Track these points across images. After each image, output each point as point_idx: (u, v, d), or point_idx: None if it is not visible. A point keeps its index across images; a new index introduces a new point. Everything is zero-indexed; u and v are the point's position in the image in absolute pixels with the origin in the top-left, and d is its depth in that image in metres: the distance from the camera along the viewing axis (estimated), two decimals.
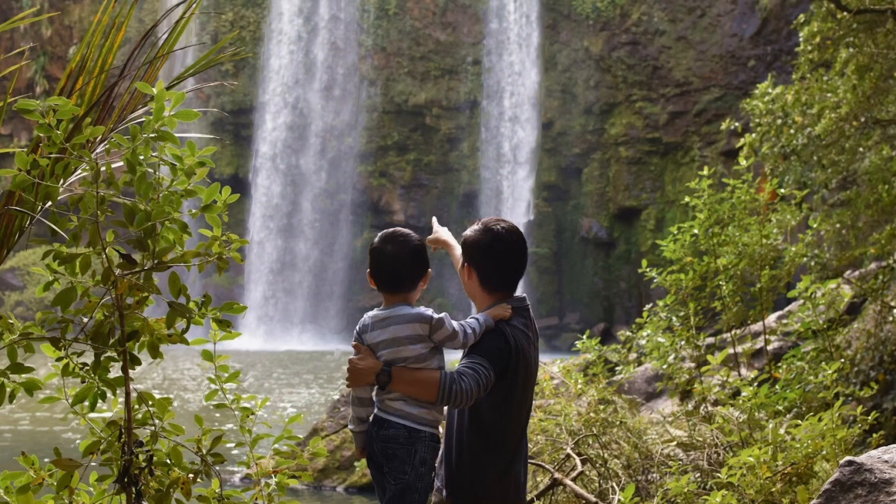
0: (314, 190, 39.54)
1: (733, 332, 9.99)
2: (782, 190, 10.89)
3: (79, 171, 3.49)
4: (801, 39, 12.64)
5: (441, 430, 3.79)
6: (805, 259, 10.24)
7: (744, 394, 7.18)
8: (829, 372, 7.54)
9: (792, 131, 11.68)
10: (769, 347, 10.59)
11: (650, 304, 9.57)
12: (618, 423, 7.41)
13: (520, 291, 3.91)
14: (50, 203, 3.44)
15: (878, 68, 11.29)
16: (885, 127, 11.82)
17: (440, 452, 3.80)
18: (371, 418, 3.75)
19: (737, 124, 12.09)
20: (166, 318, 3.54)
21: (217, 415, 14.54)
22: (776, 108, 11.92)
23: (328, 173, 39.64)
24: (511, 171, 38.76)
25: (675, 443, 7.37)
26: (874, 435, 7.38)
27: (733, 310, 9.71)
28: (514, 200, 38.51)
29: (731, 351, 9.83)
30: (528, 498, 6.40)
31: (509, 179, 38.74)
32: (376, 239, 3.82)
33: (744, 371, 9.76)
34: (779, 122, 11.86)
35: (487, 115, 39.11)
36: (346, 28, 39.96)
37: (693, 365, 8.86)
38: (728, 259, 9.58)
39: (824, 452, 6.08)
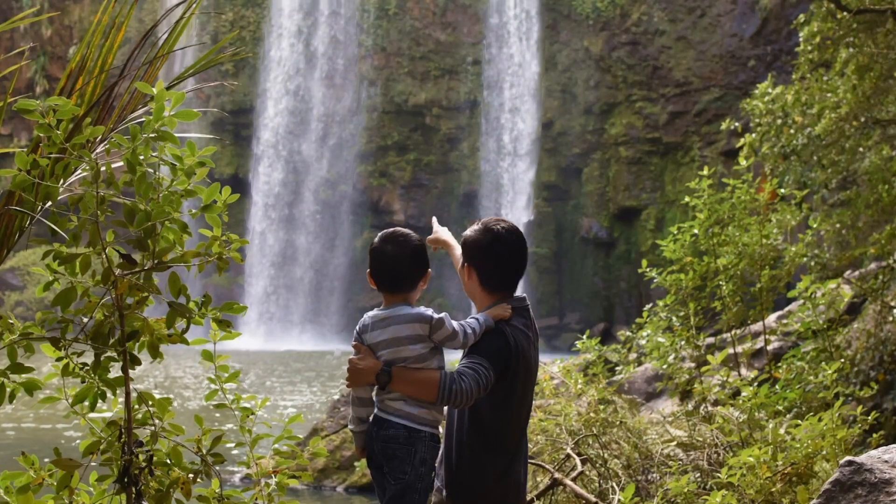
0: (315, 179, 39.54)
1: (733, 332, 9.99)
2: (782, 190, 10.89)
3: (79, 171, 3.49)
4: (801, 39, 12.64)
5: (441, 430, 3.79)
6: (805, 259, 10.24)
7: (744, 394, 7.18)
8: (829, 372, 7.54)
9: (792, 131, 11.68)
10: (769, 347, 10.59)
11: (650, 304, 9.57)
12: (618, 423, 7.40)
13: (520, 291, 3.91)
14: (50, 203, 3.44)
15: (878, 68, 11.29)
16: (885, 127, 11.82)
17: (440, 452, 3.80)
18: (371, 418, 3.75)
19: (737, 124, 12.09)
20: (166, 318, 3.54)
21: (217, 415, 14.54)
22: (776, 108, 11.92)
23: (329, 162, 39.62)
24: (511, 164, 38.73)
25: (675, 443, 7.37)
26: (874, 435, 7.37)
27: (733, 310, 9.70)
28: (514, 194, 38.49)
29: (731, 351, 9.82)
30: (528, 498, 6.40)
31: (510, 172, 38.71)
32: (376, 239, 3.82)
33: (744, 371, 9.76)
34: (779, 122, 11.86)
35: (487, 107, 39.08)
36: (346, 23, 39.90)
37: (693, 365, 8.87)
38: (728, 259, 9.57)
39: (824, 452, 6.08)
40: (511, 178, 38.66)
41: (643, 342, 9.22)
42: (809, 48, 12.33)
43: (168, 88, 3.49)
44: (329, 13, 40.06)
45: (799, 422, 6.53)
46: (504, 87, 38.94)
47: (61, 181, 3.46)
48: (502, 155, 38.81)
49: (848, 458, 4.54)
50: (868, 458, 4.48)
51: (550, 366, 8.86)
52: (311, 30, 40.01)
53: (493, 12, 39.12)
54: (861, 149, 11.56)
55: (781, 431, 6.34)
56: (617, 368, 9.70)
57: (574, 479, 6.97)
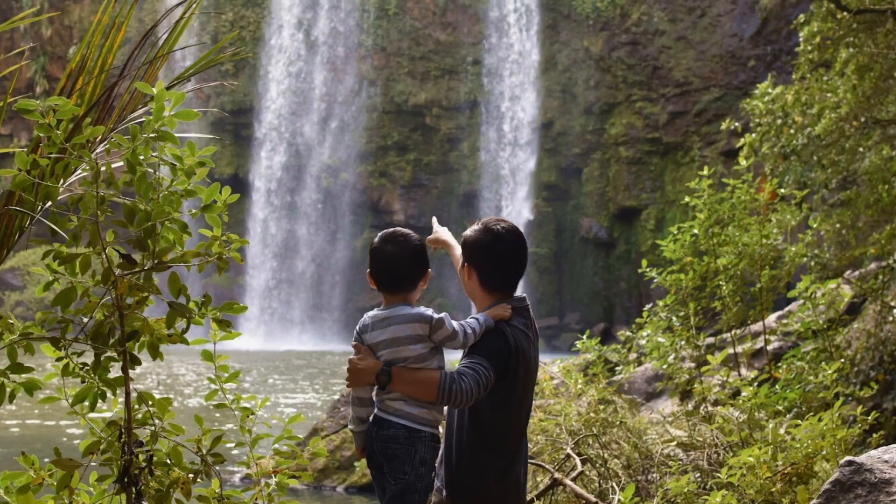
0: (317, 164, 39.55)
1: (733, 332, 9.99)
2: (782, 190, 10.89)
3: (79, 171, 3.49)
4: (801, 39, 12.64)
5: (441, 430, 3.79)
6: (805, 259, 10.24)
7: (744, 394, 7.18)
8: (829, 372, 7.54)
9: (792, 131, 11.67)
10: (769, 347, 10.58)
11: (650, 304, 9.56)
12: (618, 423, 7.40)
13: (520, 291, 3.91)
14: (50, 203, 3.44)
15: (878, 68, 11.29)
16: (885, 127, 11.82)
17: (440, 452, 3.80)
18: (371, 418, 3.75)
19: (737, 124, 12.09)
20: (166, 318, 3.54)
21: (217, 415, 14.54)
22: (776, 108, 11.92)
23: (331, 147, 39.64)
24: (512, 154, 38.70)
25: (675, 443, 7.37)
26: (874, 435, 7.37)
27: (733, 310, 9.70)
28: (514, 185, 38.49)
29: (731, 351, 9.82)
30: (528, 498, 6.40)
31: (510, 162, 38.68)
32: (376, 239, 3.82)
33: (744, 371, 9.76)
34: (779, 122, 11.85)
35: (488, 95, 39.05)
36: (346, 16, 39.92)
37: (693, 365, 8.86)
38: (728, 259, 9.58)
39: (824, 452, 6.07)
40: (511, 168, 38.63)
41: (643, 342, 9.22)
42: (809, 48, 12.33)
43: (168, 88, 3.49)
44: (329, 7, 40.05)
45: (799, 422, 6.53)
46: (504, 76, 38.91)
47: (61, 181, 3.46)
48: (502, 145, 38.76)
49: (848, 458, 4.54)
50: (868, 458, 4.48)
51: (550, 366, 8.86)
52: (310, 22, 40.04)
53: (494, 6, 39.14)
54: (861, 149, 11.56)
55: (781, 431, 6.34)
56: (617, 368, 9.70)
57: (574, 479, 6.97)
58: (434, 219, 4.41)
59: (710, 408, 7.98)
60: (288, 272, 39.09)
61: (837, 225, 11.25)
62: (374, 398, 3.74)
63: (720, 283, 9.59)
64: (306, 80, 39.75)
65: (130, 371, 3.53)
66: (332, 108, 39.78)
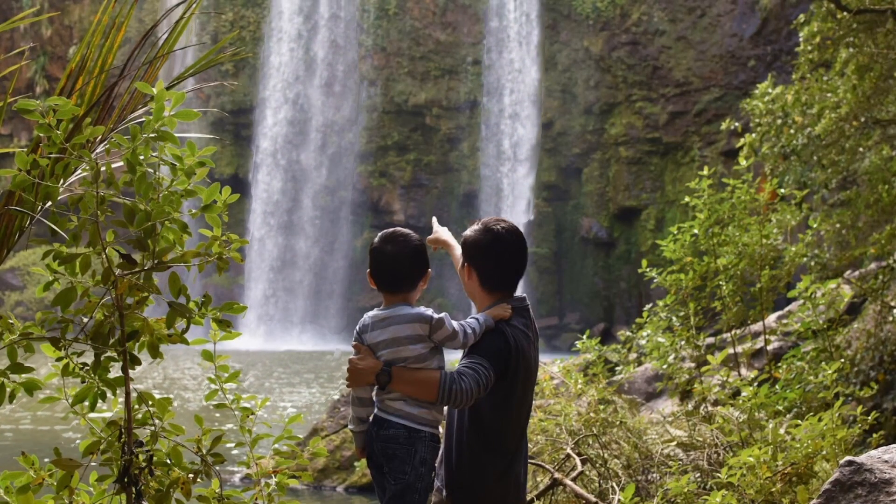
0: (314, 186, 39.52)
1: (733, 332, 9.99)
2: (782, 190, 10.89)
3: (79, 171, 3.49)
4: (801, 39, 12.64)
5: (441, 430, 3.79)
6: (805, 259, 10.24)
7: (744, 394, 7.18)
8: (829, 372, 7.54)
9: (792, 131, 11.68)
10: (769, 347, 10.58)
11: (650, 304, 9.57)
12: (618, 423, 7.40)
13: (520, 291, 3.91)
14: (50, 203, 3.44)
15: (878, 68, 11.29)
16: (885, 127, 11.82)
17: (440, 452, 3.80)
18: (371, 418, 3.75)
19: (737, 124, 12.09)
20: (166, 318, 3.54)
21: (217, 415, 14.54)
22: (776, 108, 11.92)
23: (328, 170, 39.64)
24: (511, 169, 38.77)
25: (675, 443, 7.37)
26: (874, 435, 7.37)
27: (733, 310, 9.70)
28: (514, 198, 38.55)
29: (731, 351, 9.82)
30: (528, 498, 6.40)
31: (509, 177, 38.75)
32: (376, 239, 3.81)
33: (744, 371, 9.76)
34: (779, 122, 11.86)
35: (487, 113, 39.10)
36: (346, 27, 39.88)
37: (693, 365, 8.86)
38: (728, 259, 9.58)
39: (824, 452, 6.08)
40: (511, 182, 38.71)
41: (643, 342, 9.22)
42: (809, 48, 12.33)
43: (168, 88, 3.49)
44: (329, 16, 40.02)
45: (799, 422, 6.53)
46: (504, 93, 38.96)
47: (61, 181, 3.46)
48: (502, 160, 38.85)
49: (848, 458, 4.54)
50: (868, 458, 4.48)
51: (550, 366, 8.86)
52: (310, 34, 39.98)
53: (494, 15, 39.13)
54: (861, 149, 11.56)
55: (781, 431, 6.34)
56: (617, 368, 9.70)
57: (574, 479, 6.97)
58: (434, 219, 4.41)
59: (710, 408, 7.98)
60: (286, 281, 39.07)
61: (837, 225, 11.25)
62: (374, 398, 3.74)
63: (720, 283, 9.59)
64: (303, 109, 39.66)
65: (130, 371, 3.53)
66: (328, 137, 39.77)
